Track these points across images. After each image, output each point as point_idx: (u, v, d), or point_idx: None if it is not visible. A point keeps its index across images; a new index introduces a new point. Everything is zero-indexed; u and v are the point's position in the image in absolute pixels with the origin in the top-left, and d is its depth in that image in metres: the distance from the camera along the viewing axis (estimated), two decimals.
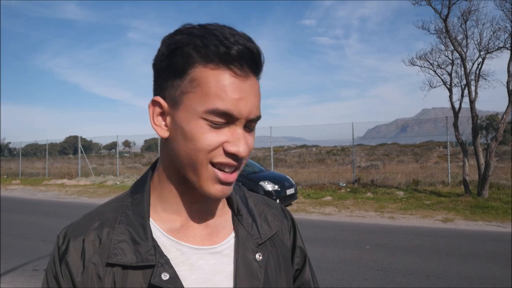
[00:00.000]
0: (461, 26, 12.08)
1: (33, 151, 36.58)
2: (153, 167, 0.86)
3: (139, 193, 0.82)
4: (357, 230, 8.69)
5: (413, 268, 5.74)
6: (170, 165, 0.80)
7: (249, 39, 0.72)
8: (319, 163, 25.62)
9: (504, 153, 20.96)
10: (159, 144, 0.77)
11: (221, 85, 0.70)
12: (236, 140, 0.73)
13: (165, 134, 0.77)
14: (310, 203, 12.47)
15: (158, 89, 0.77)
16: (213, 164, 0.74)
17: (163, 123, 0.77)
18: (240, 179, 11.62)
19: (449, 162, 14.81)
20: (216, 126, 0.72)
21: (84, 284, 0.74)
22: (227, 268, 0.81)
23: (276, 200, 10.13)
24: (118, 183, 19.30)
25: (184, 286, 0.75)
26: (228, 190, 0.77)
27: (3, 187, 21.35)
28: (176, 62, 0.72)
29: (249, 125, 0.75)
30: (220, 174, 0.74)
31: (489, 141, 12.16)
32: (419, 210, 10.63)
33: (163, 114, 0.77)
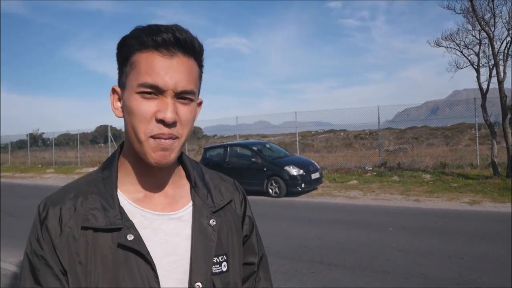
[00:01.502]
0: (488, 5, 11.74)
1: (66, 141, 37.53)
2: (121, 146, 1.00)
3: (107, 169, 0.96)
4: (382, 212, 8.76)
5: (435, 249, 5.80)
6: (129, 144, 0.93)
7: (181, 30, 0.88)
8: (346, 147, 25.49)
9: None
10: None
11: (150, 64, 0.85)
12: (164, 108, 0.85)
13: (120, 114, 0.93)
14: (336, 187, 12.55)
15: (118, 79, 0.94)
16: (153, 137, 0.87)
17: (120, 105, 0.93)
18: (266, 164, 11.80)
19: (477, 144, 14.54)
20: (147, 97, 0.86)
21: (61, 244, 0.87)
22: (185, 231, 0.95)
23: (301, 184, 10.17)
24: None
25: (147, 246, 0.89)
26: (166, 156, 0.88)
27: (38, 175, 22.28)
28: (122, 53, 0.90)
29: (183, 97, 0.88)
30: (157, 142, 0.87)
31: None
32: (445, 193, 10.57)
33: (120, 99, 0.93)
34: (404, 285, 4.54)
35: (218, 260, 0.96)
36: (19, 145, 36.94)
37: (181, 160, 1.04)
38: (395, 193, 11.05)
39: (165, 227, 0.94)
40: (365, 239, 6.55)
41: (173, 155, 0.89)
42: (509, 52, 11.72)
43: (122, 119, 0.94)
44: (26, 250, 0.93)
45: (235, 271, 1.01)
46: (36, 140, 38.39)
